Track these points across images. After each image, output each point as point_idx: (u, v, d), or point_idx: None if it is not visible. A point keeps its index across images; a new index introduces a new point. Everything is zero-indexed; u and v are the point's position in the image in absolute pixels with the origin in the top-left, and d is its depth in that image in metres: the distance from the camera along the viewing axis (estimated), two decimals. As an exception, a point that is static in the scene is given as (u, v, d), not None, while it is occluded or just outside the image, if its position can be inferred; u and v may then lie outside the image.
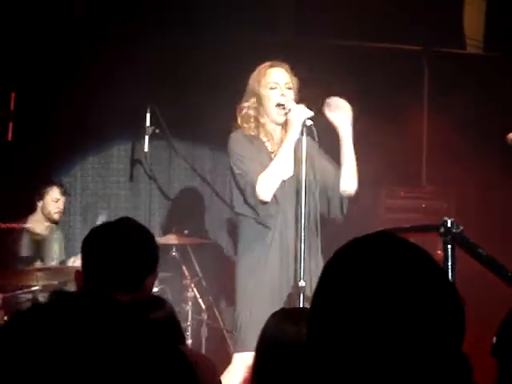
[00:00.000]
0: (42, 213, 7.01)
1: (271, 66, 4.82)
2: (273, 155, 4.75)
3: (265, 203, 4.62)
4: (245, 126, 4.81)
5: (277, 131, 4.86)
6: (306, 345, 1.42)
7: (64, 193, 7.04)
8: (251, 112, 4.80)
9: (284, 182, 4.68)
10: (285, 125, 4.78)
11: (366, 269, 1.39)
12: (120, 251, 2.65)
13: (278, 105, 4.74)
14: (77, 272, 2.72)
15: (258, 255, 4.67)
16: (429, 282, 1.39)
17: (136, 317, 1.14)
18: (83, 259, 2.71)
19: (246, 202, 4.68)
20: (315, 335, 1.41)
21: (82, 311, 1.11)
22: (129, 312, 1.14)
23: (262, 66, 4.85)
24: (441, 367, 1.35)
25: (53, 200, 6.98)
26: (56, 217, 7.04)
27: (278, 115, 4.77)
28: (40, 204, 6.99)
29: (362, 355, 1.34)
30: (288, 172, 4.68)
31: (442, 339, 1.36)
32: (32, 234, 6.97)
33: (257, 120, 4.81)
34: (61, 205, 7.03)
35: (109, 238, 2.69)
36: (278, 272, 4.66)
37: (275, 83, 4.77)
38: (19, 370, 1.06)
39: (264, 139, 4.81)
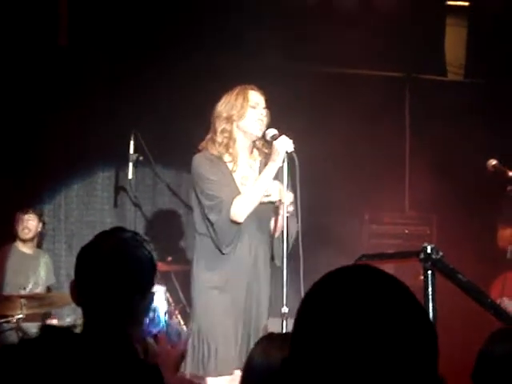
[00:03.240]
0: (18, 238, 7.17)
1: (251, 89, 4.90)
2: (234, 175, 4.81)
3: (238, 224, 4.68)
4: (214, 143, 4.84)
5: (245, 151, 4.90)
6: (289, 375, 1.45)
7: (25, 212, 7.12)
8: (228, 127, 4.84)
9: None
10: (268, 152, 4.84)
11: (344, 300, 1.42)
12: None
13: (258, 119, 4.83)
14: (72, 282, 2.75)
15: (219, 274, 4.72)
16: (402, 311, 1.42)
17: (123, 352, 1.16)
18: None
19: (208, 221, 4.72)
20: (297, 363, 1.44)
21: (69, 346, 1.13)
22: (115, 347, 1.16)
23: (240, 87, 4.92)
24: None
25: (17, 222, 7.12)
26: (23, 235, 7.16)
27: (255, 129, 4.83)
28: (15, 233, 7.16)
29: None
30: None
31: (416, 363, 1.39)
32: (19, 253, 7.05)
33: (231, 135, 4.84)
34: (25, 223, 7.14)
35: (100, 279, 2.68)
36: (243, 293, 4.71)
37: (256, 103, 4.86)
38: None
39: (226, 159, 4.84)
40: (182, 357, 2.96)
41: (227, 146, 4.84)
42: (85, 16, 7.37)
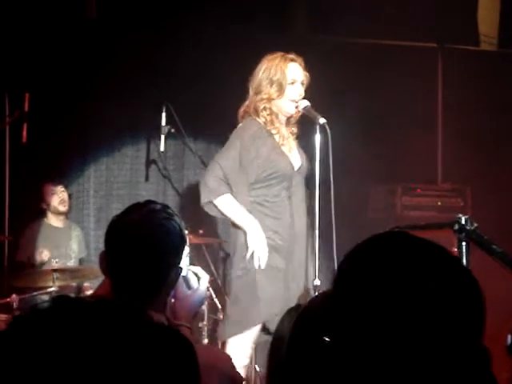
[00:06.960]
0: (51, 211, 7.05)
1: (291, 60, 4.81)
2: (282, 148, 4.78)
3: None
4: (261, 117, 4.82)
5: (283, 123, 4.88)
6: (329, 343, 1.44)
7: (57, 183, 7.05)
8: (268, 105, 4.80)
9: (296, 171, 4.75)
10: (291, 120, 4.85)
11: (385, 264, 1.41)
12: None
13: (293, 100, 4.78)
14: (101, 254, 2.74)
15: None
16: (448, 275, 1.40)
17: (137, 321, 1.14)
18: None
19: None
20: (337, 329, 1.42)
21: (81, 316, 1.11)
22: (129, 315, 1.14)
23: (281, 56, 4.83)
24: (461, 359, 1.36)
25: (49, 195, 7.02)
26: (61, 208, 7.05)
27: (290, 108, 4.80)
28: (46, 206, 7.04)
29: (383, 350, 1.36)
30: None
31: (462, 331, 1.37)
32: (49, 227, 7.02)
33: (272, 112, 4.81)
34: (61, 195, 7.04)
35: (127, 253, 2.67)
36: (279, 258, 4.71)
37: (294, 79, 4.78)
38: (18, 376, 1.07)
39: (273, 131, 4.81)
40: (201, 304, 2.94)
41: (272, 122, 4.81)
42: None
